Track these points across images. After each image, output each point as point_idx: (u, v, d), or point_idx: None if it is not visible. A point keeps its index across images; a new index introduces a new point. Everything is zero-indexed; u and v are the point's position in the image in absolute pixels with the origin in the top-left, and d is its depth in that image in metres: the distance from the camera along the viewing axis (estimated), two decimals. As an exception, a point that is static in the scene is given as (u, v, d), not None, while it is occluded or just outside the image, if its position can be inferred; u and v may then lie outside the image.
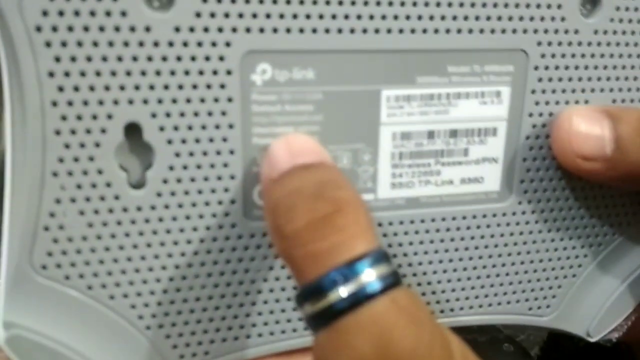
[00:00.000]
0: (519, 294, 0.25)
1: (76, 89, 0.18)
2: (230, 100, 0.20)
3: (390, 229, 0.22)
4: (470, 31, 0.21)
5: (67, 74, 0.18)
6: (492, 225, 0.24)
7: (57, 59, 0.18)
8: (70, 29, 0.18)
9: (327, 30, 0.20)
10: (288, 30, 0.19)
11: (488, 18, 0.21)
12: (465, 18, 0.21)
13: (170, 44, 0.19)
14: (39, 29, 0.17)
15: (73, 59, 0.18)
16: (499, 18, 0.21)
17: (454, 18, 0.21)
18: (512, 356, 0.48)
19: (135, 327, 0.21)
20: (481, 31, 0.21)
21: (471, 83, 0.22)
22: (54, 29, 0.17)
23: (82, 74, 0.18)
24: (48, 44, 0.18)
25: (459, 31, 0.21)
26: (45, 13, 0.17)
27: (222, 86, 0.19)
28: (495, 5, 0.21)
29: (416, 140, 0.22)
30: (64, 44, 0.18)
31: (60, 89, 0.18)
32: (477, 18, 0.21)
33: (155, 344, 0.21)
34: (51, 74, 0.18)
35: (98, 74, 0.18)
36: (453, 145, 0.22)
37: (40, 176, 0.19)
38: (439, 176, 0.23)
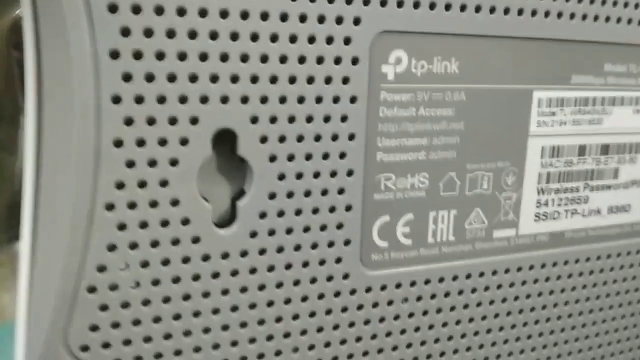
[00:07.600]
0: None
1: (149, 78, 0.12)
2: (353, 100, 0.14)
3: (530, 275, 0.17)
4: (629, 21, 0.17)
5: (137, 56, 0.12)
6: (635, 264, 0.19)
7: (125, 32, 0.12)
8: None
9: (477, 9, 0.15)
10: (432, 6, 0.14)
11: None
12: (625, 5, 0.16)
13: (283, 18, 0.13)
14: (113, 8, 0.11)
15: (148, 33, 0.12)
16: None
17: (614, 3, 0.16)
18: None
19: None
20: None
21: (627, 86, 0.17)
22: None
23: (160, 55, 0.12)
24: (113, 9, 0.12)
25: (618, 20, 0.17)
26: None
27: (345, 80, 0.14)
28: None
29: (567, 157, 0.17)
30: (135, 10, 0.12)
31: (127, 77, 0.12)
32: (636, 6, 0.17)
33: None
34: (114, 55, 0.12)
35: (182, 57, 0.12)
36: (603, 165, 0.18)
37: (88, 211, 0.12)
38: (587, 204, 0.18)
